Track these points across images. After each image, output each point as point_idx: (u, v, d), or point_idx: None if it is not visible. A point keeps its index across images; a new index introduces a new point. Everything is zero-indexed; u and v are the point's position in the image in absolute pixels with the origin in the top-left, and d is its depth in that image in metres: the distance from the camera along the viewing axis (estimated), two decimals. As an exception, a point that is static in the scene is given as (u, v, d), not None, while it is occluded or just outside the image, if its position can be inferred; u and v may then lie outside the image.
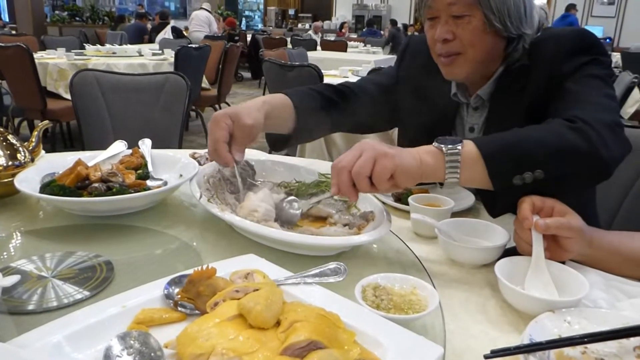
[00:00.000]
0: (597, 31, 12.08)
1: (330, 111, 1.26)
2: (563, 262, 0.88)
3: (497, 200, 0.94)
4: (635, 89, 4.48)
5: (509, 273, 0.83)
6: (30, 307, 0.74)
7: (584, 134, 0.92)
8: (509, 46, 1.18)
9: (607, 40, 12.34)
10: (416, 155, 0.91)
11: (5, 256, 0.92)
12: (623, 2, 13.86)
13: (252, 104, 1.10)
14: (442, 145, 0.91)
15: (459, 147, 0.90)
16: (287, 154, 3.88)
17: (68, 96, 4.43)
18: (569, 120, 0.95)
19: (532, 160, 0.90)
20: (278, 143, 1.28)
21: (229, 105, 6.21)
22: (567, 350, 0.68)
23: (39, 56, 5.03)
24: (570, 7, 11.68)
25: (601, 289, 0.84)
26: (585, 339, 0.68)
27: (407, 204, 1.14)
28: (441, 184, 1.27)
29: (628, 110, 4.90)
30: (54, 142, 4.71)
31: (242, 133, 1.05)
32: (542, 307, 0.75)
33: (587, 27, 12.59)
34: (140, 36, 9.89)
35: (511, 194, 0.92)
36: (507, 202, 0.94)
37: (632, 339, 0.70)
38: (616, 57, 8.84)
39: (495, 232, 0.99)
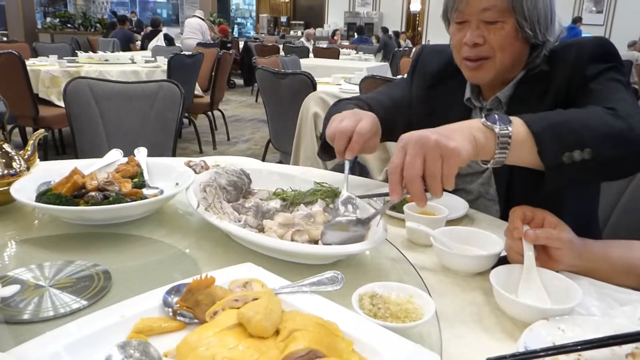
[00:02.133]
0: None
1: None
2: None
3: (548, 178, 0.93)
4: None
5: (503, 281, 0.84)
6: (27, 317, 0.74)
7: (626, 122, 0.94)
8: (533, 52, 1.22)
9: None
10: (471, 137, 0.86)
11: (1, 265, 0.92)
12: (611, 10, 14.06)
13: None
14: (494, 125, 0.88)
15: (511, 128, 0.89)
16: (280, 162, 3.89)
17: (60, 103, 4.42)
18: (608, 108, 0.96)
19: (580, 138, 0.90)
20: (330, 153, 1.25)
21: (222, 112, 6.22)
22: (562, 358, 0.69)
23: (31, 63, 5.02)
24: (577, 20, 11.97)
25: (594, 297, 0.86)
26: (579, 347, 0.69)
27: (403, 212, 1.15)
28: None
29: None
30: (46, 150, 4.69)
31: (360, 137, 1.10)
32: (536, 315, 0.76)
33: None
34: (127, 43, 9.82)
35: (562, 172, 0.91)
36: (558, 180, 0.92)
37: (624, 346, 0.71)
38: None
39: (489, 240, 1.00)
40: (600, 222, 1.55)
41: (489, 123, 0.88)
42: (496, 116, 0.90)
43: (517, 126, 0.90)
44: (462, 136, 0.85)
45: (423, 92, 1.43)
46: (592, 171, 0.92)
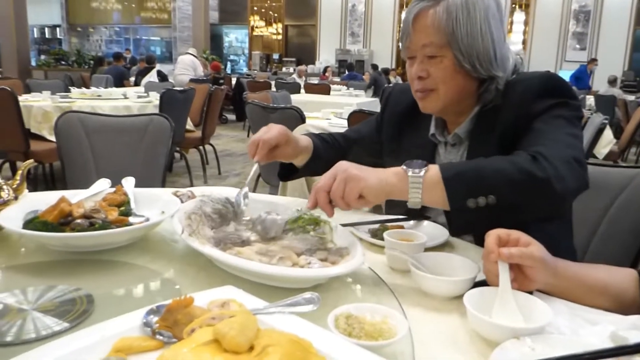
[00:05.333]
0: (570, 75, 12.61)
1: (335, 152, 1.49)
2: (530, 292, 0.91)
3: (453, 221, 1.04)
4: (608, 130, 4.65)
5: (477, 303, 0.87)
6: (9, 339, 0.76)
7: (540, 166, 1.00)
8: (481, 86, 1.27)
9: (581, 83, 12.85)
10: (382, 177, 1.03)
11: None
12: (594, 48, 14.45)
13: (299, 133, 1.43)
14: (408, 169, 1.02)
15: (423, 171, 1.01)
16: (270, 194, 3.90)
17: (52, 138, 4.45)
18: (531, 154, 1.03)
19: (486, 185, 0.99)
20: (287, 173, 1.50)
21: (213, 146, 6.28)
22: (531, 374, 0.71)
23: (24, 99, 5.05)
24: (591, 62, 12.68)
25: (566, 317, 0.88)
26: (548, 363, 0.71)
27: (383, 240, 1.18)
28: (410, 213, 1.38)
29: (602, 150, 5.07)
30: (36, 184, 4.70)
31: (264, 143, 1.29)
32: (506, 334, 0.78)
33: (561, 72, 13.12)
34: (120, 80, 9.93)
35: (466, 216, 1.01)
36: (462, 223, 1.03)
37: (593, 363, 0.74)
38: (590, 100, 9.18)
39: (466, 265, 1.02)
40: (579, 251, 1.59)
41: (404, 167, 1.03)
42: (416, 162, 1.03)
43: (432, 171, 1.02)
44: (374, 174, 1.03)
45: (392, 130, 1.52)
46: (502, 214, 1.01)
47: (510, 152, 1.16)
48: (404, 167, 1.03)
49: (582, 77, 12.52)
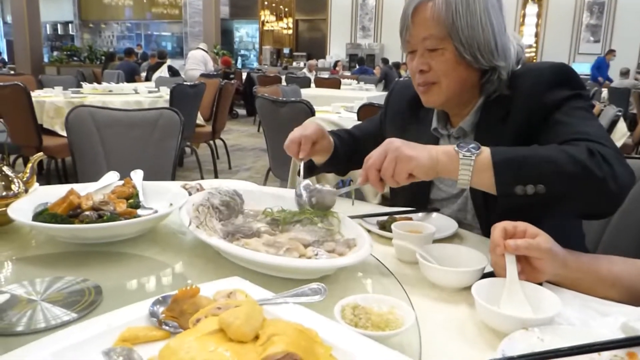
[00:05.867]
0: (584, 68, 12.46)
1: (348, 149, 1.50)
2: (540, 284, 0.90)
3: (499, 205, 1.04)
4: (622, 123, 4.59)
5: (486, 294, 0.86)
6: (19, 329, 0.76)
7: (597, 163, 0.99)
8: (483, 77, 1.27)
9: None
10: (434, 156, 1.04)
11: (-4, 283, 0.94)
12: (608, 40, 14.25)
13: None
14: (459, 150, 1.02)
15: (475, 153, 1.01)
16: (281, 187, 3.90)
17: (64, 133, 4.49)
18: (587, 148, 1.01)
19: (536, 174, 0.99)
20: (309, 170, 1.46)
21: (223, 141, 6.30)
22: (539, 365, 0.70)
23: (36, 94, 5.11)
24: (609, 52, 12.56)
25: (576, 309, 0.87)
26: (557, 354, 0.70)
27: (391, 232, 1.17)
28: None
29: (616, 143, 5.00)
30: (49, 179, 4.74)
31: (306, 140, 1.31)
32: (515, 325, 0.77)
33: (574, 64, 12.99)
34: (132, 75, 9.99)
35: (512, 202, 1.01)
36: (507, 209, 1.01)
37: (604, 353, 0.72)
38: (604, 92, 9.07)
39: (474, 257, 1.01)
40: (592, 242, 1.57)
41: (456, 148, 1.03)
42: (470, 143, 1.03)
43: (483, 154, 1.01)
44: (425, 151, 1.04)
45: (395, 126, 1.51)
46: (549, 205, 1.01)
47: (527, 143, 1.15)
48: (456, 147, 1.03)
49: (602, 67, 12.41)
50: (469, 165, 1.01)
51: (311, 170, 1.49)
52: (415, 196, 1.43)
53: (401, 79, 1.69)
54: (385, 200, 1.63)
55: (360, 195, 2.20)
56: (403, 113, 1.50)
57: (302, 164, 1.32)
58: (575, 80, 1.22)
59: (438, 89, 1.27)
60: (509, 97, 1.25)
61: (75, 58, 15.70)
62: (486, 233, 1.29)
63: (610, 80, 11.82)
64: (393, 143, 1.04)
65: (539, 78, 1.22)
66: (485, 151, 1.02)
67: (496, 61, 1.23)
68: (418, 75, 1.28)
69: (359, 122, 1.72)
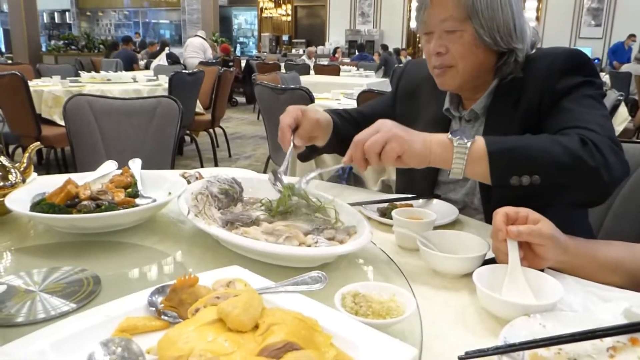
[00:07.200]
0: (586, 52, 12.37)
1: (351, 127, 1.40)
2: (542, 270, 0.90)
3: (493, 195, 1.04)
4: (623, 107, 4.56)
5: (487, 281, 0.85)
6: (19, 320, 0.76)
7: (590, 153, 0.98)
8: (500, 60, 1.25)
9: (596, 60, 12.68)
10: (427, 143, 1.01)
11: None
12: (609, 25, 14.15)
13: (318, 109, 1.31)
14: (454, 138, 1.00)
15: (469, 142, 0.99)
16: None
17: (62, 122, 4.47)
18: (580, 137, 1.01)
19: (532, 165, 0.98)
20: (306, 153, 1.42)
21: (223, 129, 6.27)
22: (541, 351, 0.70)
23: (34, 84, 5.08)
24: (630, 36, 12.53)
25: (578, 295, 0.86)
26: (559, 340, 0.70)
27: (392, 219, 1.17)
28: None
29: (617, 127, 4.98)
30: (49, 168, 4.74)
31: (307, 125, 1.24)
32: (517, 312, 0.77)
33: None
34: (130, 63, 9.92)
35: (507, 192, 1.00)
36: (502, 199, 1.01)
37: (606, 339, 0.72)
38: (605, 77, 9.01)
39: (475, 243, 1.01)
40: (593, 227, 1.56)
41: (450, 136, 1.01)
42: (462, 133, 1.01)
43: (478, 143, 1.00)
44: (419, 138, 1.01)
45: (406, 106, 1.49)
46: (543, 195, 1.00)
47: (534, 128, 1.14)
48: (450, 135, 1.01)
49: (619, 51, 12.33)
50: (463, 154, 0.99)
51: (311, 151, 1.43)
52: (427, 177, 1.40)
53: (408, 60, 1.67)
54: (386, 187, 1.62)
55: (359, 182, 2.19)
56: (415, 92, 1.47)
57: (287, 154, 1.25)
58: (589, 67, 1.21)
59: (454, 72, 1.25)
60: (521, 81, 1.24)
61: (72, 47, 15.59)
62: (489, 219, 1.29)
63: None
64: (386, 123, 1.01)
65: (552, 64, 1.21)
66: (480, 141, 1.00)
67: (515, 43, 1.22)
68: (434, 57, 1.25)
69: (368, 102, 1.67)
